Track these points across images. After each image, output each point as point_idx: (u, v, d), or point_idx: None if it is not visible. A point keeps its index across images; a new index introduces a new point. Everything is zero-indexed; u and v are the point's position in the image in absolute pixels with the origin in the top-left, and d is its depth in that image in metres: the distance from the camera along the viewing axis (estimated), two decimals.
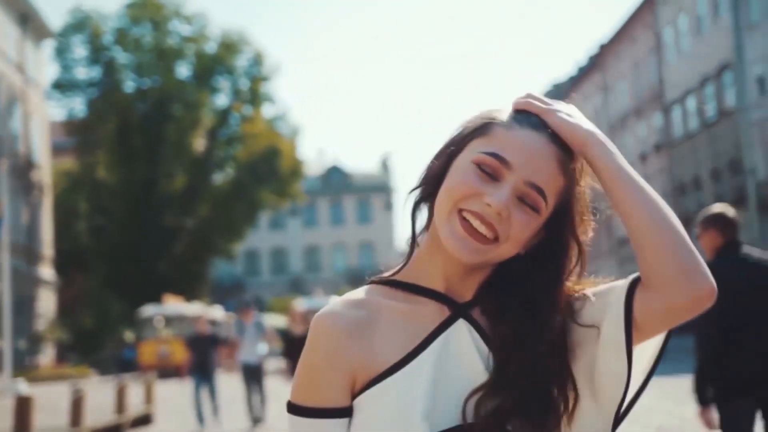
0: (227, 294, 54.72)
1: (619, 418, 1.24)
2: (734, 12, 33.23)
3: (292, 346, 11.43)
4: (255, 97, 41.89)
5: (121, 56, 40.45)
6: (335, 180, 67.08)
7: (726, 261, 4.48)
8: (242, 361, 11.99)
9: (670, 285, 1.18)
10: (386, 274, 1.35)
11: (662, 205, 1.23)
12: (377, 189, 66.79)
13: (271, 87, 55.65)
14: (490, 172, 1.21)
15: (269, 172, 40.60)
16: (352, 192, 66.63)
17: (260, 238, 61.79)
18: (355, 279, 62.79)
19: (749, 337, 4.41)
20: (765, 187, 30.66)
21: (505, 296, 1.27)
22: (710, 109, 35.41)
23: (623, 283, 1.24)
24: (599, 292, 1.27)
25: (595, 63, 49.01)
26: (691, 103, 37.23)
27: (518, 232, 1.21)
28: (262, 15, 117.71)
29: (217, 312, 31.77)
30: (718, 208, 4.69)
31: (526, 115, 1.25)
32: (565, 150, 1.24)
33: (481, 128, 1.25)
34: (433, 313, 1.27)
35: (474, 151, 1.23)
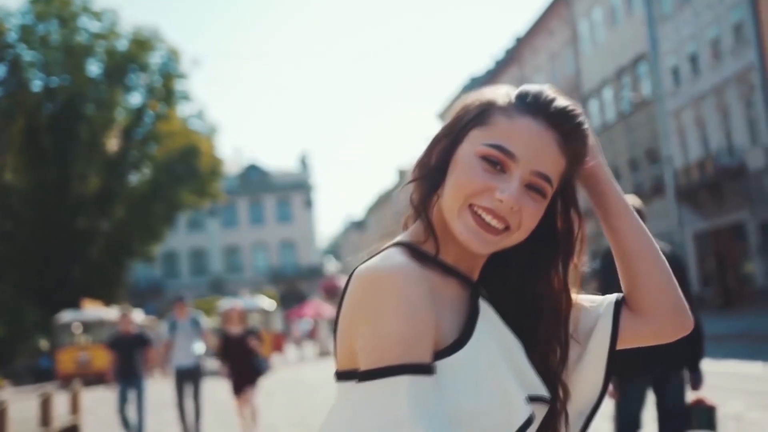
0: (146, 297, 53.41)
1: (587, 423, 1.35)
2: (647, 4, 33.87)
3: (228, 347, 10.31)
4: (170, 95, 40.87)
5: (27, 54, 38.89)
6: (254, 179, 66.21)
7: None
8: (175, 364, 10.75)
9: (662, 319, 1.35)
10: (402, 239, 1.31)
11: (654, 243, 1.37)
12: (297, 187, 66.20)
13: (187, 85, 54.49)
14: (497, 164, 1.22)
15: (187, 171, 39.73)
16: (271, 191, 65.89)
17: (179, 239, 60.52)
18: (276, 278, 62.14)
19: None
20: (682, 175, 31.31)
21: (509, 274, 1.33)
22: (626, 100, 36.01)
23: (610, 300, 1.38)
24: (592, 300, 1.39)
25: (512, 56, 49.42)
26: (608, 94, 37.83)
27: (529, 220, 1.23)
28: (176, 11, 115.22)
29: (137, 315, 30.86)
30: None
31: (522, 99, 1.25)
32: (563, 132, 1.25)
33: (480, 116, 1.25)
34: (459, 289, 1.28)
35: (476, 142, 1.24)
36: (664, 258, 1.35)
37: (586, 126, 1.28)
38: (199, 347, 10.78)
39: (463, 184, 1.23)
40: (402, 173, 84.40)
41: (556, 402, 1.29)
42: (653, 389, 4.90)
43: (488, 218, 1.22)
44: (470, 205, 1.23)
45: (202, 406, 10.94)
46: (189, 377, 10.70)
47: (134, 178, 41.26)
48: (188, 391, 10.71)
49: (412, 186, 1.33)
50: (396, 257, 1.20)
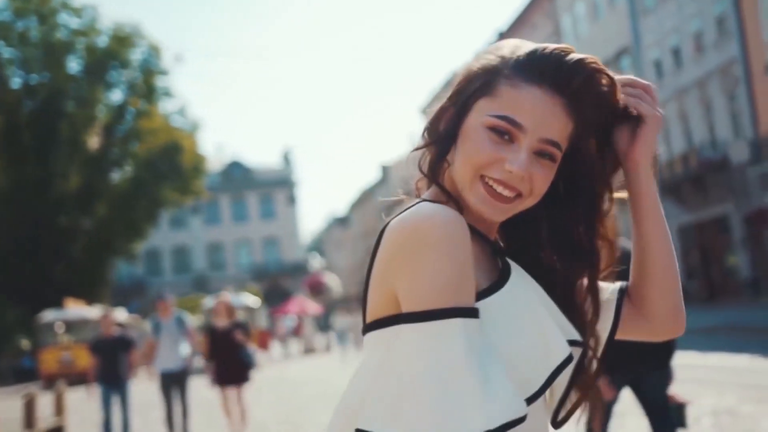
0: (129, 296, 53.05)
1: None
2: None
3: (215, 341, 9.87)
4: (151, 92, 40.55)
5: (6, 51, 38.45)
6: (236, 176, 65.90)
7: None
8: (161, 369, 10.12)
9: (661, 318, 1.40)
10: (426, 197, 1.32)
11: (672, 247, 1.40)
12: (279, 183, 65.95)
13: (168, 81, 54.08)
14: (504, 134, 1.23)
15: (169, 168, 39.44)
16: (254, 187, 65.62)
17: (161, 237, 60.15)
18: (260, 275, 61.89)
19: None
20: (665, 169, 31.30)
21: (523, 234, 1.38)
22: None
23: (614, 287, 1.42)
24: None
25: None
26: None
27: (540, 186, 1.26)
28: (157, 7, 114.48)
29: (120, 314, 30.60)
30: None
31: (527, 62, 1.25)
32: (569, 93, 1.25)
33: (485, 85, 1.26)
34: (483, 245, 1.32)
35: (483, 113, 1.25)
36: (676, 260, 1.41)
37: (596, 79, 1.28)
38: (185, 348, 10.27)
39: (472, 156, 1.25)
40: (385, 169, 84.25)
41: (587, 349, 1.34)
42: (632, 387, 4.94)
43: (499, 188, 1.25)
44: (481, 176, 1.25)
45: (190, 406, 10.60)
46: (175, 381, 10.19)
47: (116, 176, 40.94)
48: (175, 394, 10.21)
49: (422, 152, 1.35)
50: (435, 205, 1.20)
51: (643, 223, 1.39)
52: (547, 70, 1.25)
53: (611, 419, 5.05)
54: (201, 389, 11.97)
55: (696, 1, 29.91)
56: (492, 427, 1.10)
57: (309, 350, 34.05)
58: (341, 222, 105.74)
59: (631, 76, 1.38)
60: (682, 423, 4.90)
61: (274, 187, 65.85)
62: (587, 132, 1.30)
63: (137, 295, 54.62)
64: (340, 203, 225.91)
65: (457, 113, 1.29)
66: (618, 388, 4.95)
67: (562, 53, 1.27)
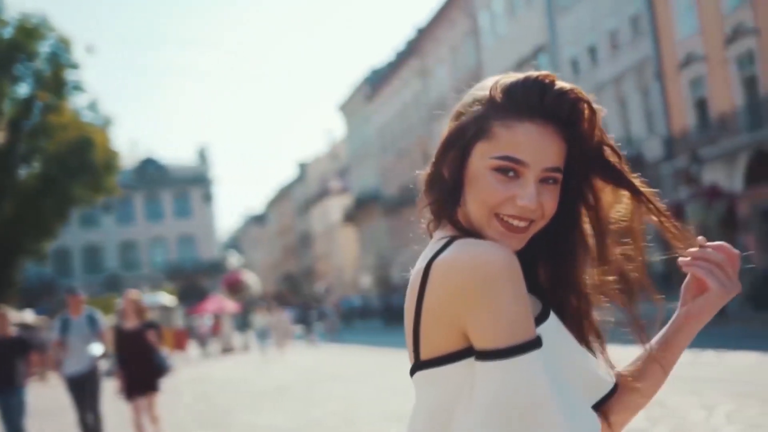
0: (37, 297, 51.21)
1: None
2: None
3: (123, 344, 8.90)
4: (61, 86, 39.18)
5: None
6: (150, 173, 64.43)
7: None
8: (68, 372, 9.17)
9: (640, 403, 1.50)
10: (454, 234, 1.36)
11: None
12: (195, 181, 64.77)
13: (79, 75, 52.45)
14: (509, 171, 1.30)
15: (80, 165, 38.14)
16: (169, 185, 64.28)
17: (71, 236, 58.31)
18: (176, 274, 60.64)
19: None
20: None
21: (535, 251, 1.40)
22: None
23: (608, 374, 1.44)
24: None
25: (414, 48, 49.45)
26: None
27: (550, 209, 1.33)
28: None
29: (28, 316, 29.47)
30: None
31: (512, 99, 1.31)
32: (559, 121, 1.31)
33: (480, 131, 1.32)
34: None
35: (485, 156, 1.31)
36: None
37: (580, 105, 1.32)
38: (96, 348, 9.26)
39: (485, 200, 1.31)
40: (302, 166, 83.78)
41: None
42: None
43: (515, 222, 1.32)
44: (496, 214, 1.32)
45: (102, 414, 9.53)
46: (84, 385, 9.23)
47: (23, 173, 39.45)
48: (85, 400, 9.25)
49: (431, 196, 1.41)
50: (487, 242, 1.28)
51: (672, 355, 1.45)
52: (534, 105, 1.30)
53: None
54: (111, 396, 10.61)
55: (612, 0, 30.43)
56: None
57: (227, 350, 33.45)
58: (258, 220, 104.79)
59: (707, 250, 1.39)
60: None
61: (190, 185, 64.65)
62: (582, 149, 1.35)
63: (46, 296, 52.81)
64: (257, 201, 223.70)
65: (459, 158, 1.34)
66: None
67: (544, 84, 1.31)
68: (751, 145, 24.45)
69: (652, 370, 1.44)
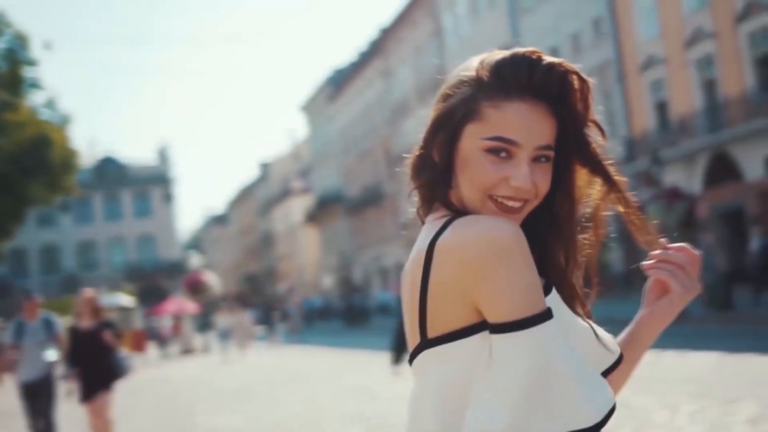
0: None
1: None
2: None
3: (78, 345, 8.51)
4: (17, 83, 38.50)
5: None
6: (110, 172, 63.61)
7: None
8: (22, 379, 8.82)
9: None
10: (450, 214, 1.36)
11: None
12: (155, 180, 64.09)
13: (37, 72, 51.61)
14: (502, 152, 1.29)
15: (37, 164, 37.49)
16: (129, 184, 63.53)
17: (28, 236, 57.30)
18: (135, 274, 59.91)
19: None
20: None
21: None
22: None
23: None
24: None
25: (377, 48, 49.38)
26: None
27: (543, 187, 1.32)
28: None
29: None
30: None
31: (500, 78, 1.29)
32: (548, 97, 1.29)
33: (470, 112, 1.30)
34: None
35: (475, 137, 1.29)
36: None
37: (569, 78, 1.30)
38: (52, 354, 8.93)
39: (478, 182, 1.30)
40: (265, 166, 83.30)
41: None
42: None
43: (510, 203, 1.30)
44: (490, 196, 1.30)
45: (54, 420, 9.12)
46: (39, 392, 8.89)
47: None
48: (38, 407, 8.89)
49: (420, 180, 1.39)
50: (494, 218, 1.27)
51: (640, 350, 1.48)
52: (523, 83, 1.28)
53: None
54: (70, 402, 10.14)
55: (573, 2, 30.62)
56: (605, 411, 1.23)
57: (187, 351, 33.09)
58: (220, 220, 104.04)
59: (670, 252, 1.42)
60: None
61: (150, 184, 63.96)
62: (570, 126, 1.34)
63: (1, 298, 51.90)
64: (219, 201, 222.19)
65: (448, 140, 1.32)
66: None
67: (532, 60, 1.29)
68: (709, 147, 24.75)
69: (618, 369, 1.43)
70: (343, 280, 57.92)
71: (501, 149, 1.28)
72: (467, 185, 1.31)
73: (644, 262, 1.42)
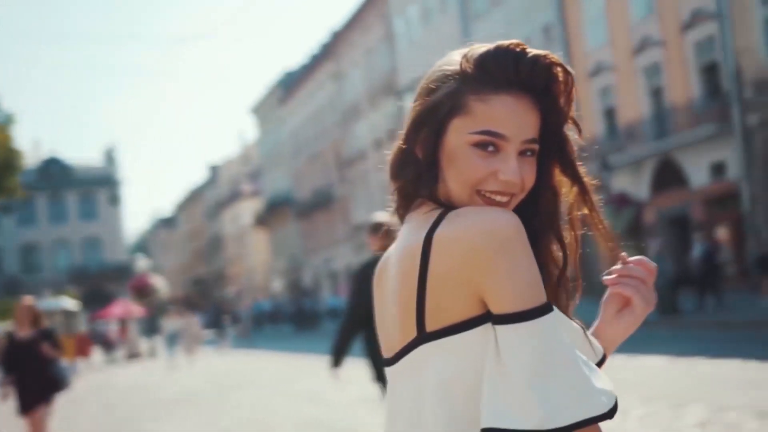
0: None
1: None
2: (461, 2, 34.61)
3: (16, 353, 8.20)
4: None
5: None
6: (54, 173, 62.39)
7: (378, 260, 5.06)
8: None
9: None
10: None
11: None
12: (101, 182, 63.04)
13: None
14: (489, 146, 1.28)
15: None
16: (74, 186, 62.38)
17: None
18: (80, 278, 58.84)
19: None
20: None
21: None
22: None
23: None
24: None
25: (328, 51, 49.24)
26: None
27: (529, 181, 1.32)
28: None
29: None
30: (380, 216, 5.38)
31: (486, 71, 1.28)
32: (534, 91, 1.29)
33: (456, 107, 1.29)
34: None
35: (462, 132, 1.28)
36: None
37: (554, 70, 1.29)
38: None
39: (466, 177, 1.29)
40: (213, 169, 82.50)
41: None
42: None
43: (498, 198, 1.30)
44: (478, 191, 1.29)
45: None
46: None
47: None
48: None
49: (403, 178, 1.37)
50: (494, 208, 1.26)
51: (615, 343, 1.52)
52: (510, 76, 1.27)
53: None
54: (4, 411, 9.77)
55: (524, 9, 30.87)
56: (614, 399, 1.22)
57: (134, 356, 32.56)
58: (168, 222, 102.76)
59: (632, 264, 1.42)
60: None
61: (96, 186, 62.90)
62: (552, 120, 1.33)
63: None
64: (167, 203, 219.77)
65: (433, 135, 1.31)
66: None
67: (517, 53, 1.27)
68: (656, 153, 25.12)
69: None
70: (293, 283, 57.59)
71: (489, 143, 1.27)
72: (454, 180, 1.30)
73: (606, 277, 1.43)
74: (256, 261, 69.23)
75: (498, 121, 1.27)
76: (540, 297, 1.21)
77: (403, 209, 1.39)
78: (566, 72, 1.30)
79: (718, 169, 23.64)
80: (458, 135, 1.28)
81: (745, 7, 22.23)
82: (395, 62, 40.67)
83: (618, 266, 1.43)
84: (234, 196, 73.76)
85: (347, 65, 46.90)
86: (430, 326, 1.26)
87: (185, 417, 12.28)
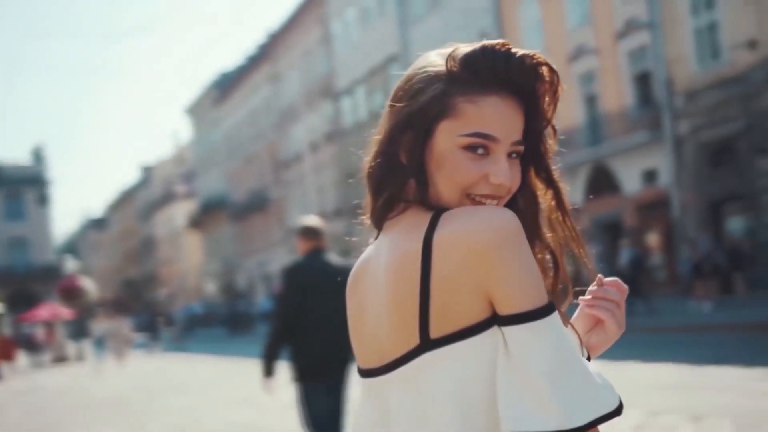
0: None
1: None
2: (399, 5, 34.66)
3: None
4: None
5: None
6: None
7: (308, 261, 5.27)
8: None
9: None
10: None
11: None
12: (29, 182, 61.50)
13: None
14: (479, 149, 1.26)
15: None
16: (1, 185, 60.73)
17: None
18: (4, 279, 57.18)
19: (319, 328, 5.12)
20: None
21: None
22: (378, 100, 36.62)
23: None
24: None
25: (265, 52, 48.85)
26: (360, 93, 38.30)
27: (516, 183, 1.31)
28: None
29: None
30: (309, 220, 5.51)
31: (473, 71, 1.26)
32: (522, 93, 1.28)
33: (445, 109, 1.26)
34: None
35: (452, 134, 1.26)
36: None
37: (540, 70, 1.29)
38: None
39: (457, 180, 1.26)
40: (146, 170, 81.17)
41: None
42: (329, 392, 5.28)
43: (488, 201, 1.28)
44: (467, 195, 1.27)
45: None
46: None
47: None
48: None
49: (387, 184, 1.33)
50: (489, 207, 1.24)
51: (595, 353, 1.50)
52: (498, 76, 1.25)
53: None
54: None
55: (462, 14, 31.03)
56: (618, 399, 1.21)
57: (61, 359, 31.77)
58: (98, 223, 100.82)
59: (608, 289, 1.42)
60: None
61: (24, 186, 61.33)
62: (533, 122, 1.32)
63: None
64: (98, 204, 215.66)
65: (419, 139, 1.28)
66: (321, 394, 5.25)
67: (505, 53, 1.26)
68: (590, 160, 25.47)
69: None
70: (227, 286, 56.93)
71: (479, 145, 1.25)
72: (444, 184, 1.27)
73: (582, 298, 1.42)
74: (190, 263, 68.30)
75: (488, 123, 1.25)
76: (545, 295, 1.20)
77: (381, 215, 1.35)
78: (552, 71, 1.30)
79: (650, 176, 24.08)
80: (447, 138, 1.26)
81: (676, 17, 22.69)
82: (333, 64, 40.53)
83: (593, 287, 1.42)
84: (167, 198, 72.65)
85: (284, 67, 46.58)
86: (435, 333, 1.23)
87: (112, 422, 11.94)
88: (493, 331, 1.21)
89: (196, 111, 62.87)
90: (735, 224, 21.80)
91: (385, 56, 35.70)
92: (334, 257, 5.47)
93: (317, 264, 5.24)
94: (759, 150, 20.22)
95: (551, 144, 1.36)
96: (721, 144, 21.57)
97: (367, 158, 1.36)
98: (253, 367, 17.97)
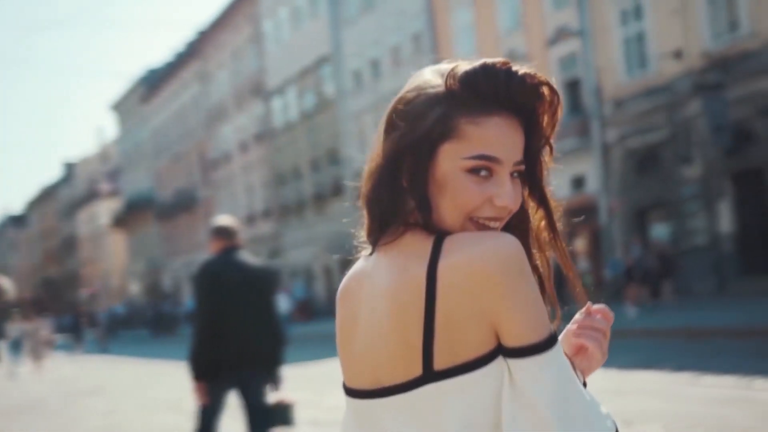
0: None
1: None
2: (332, 6, 34.49)
3: None
4: None
5: None
6: None
7: (221, 261, 5.26)
8: None
9: None
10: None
11: None
12: None
13: None
14: (482, 171, 1.24)
15: None
16: None
17: None
18: None
19: (233, 326, 5.12)
20: (360, 176, 32.11)
21: None
22: (309, 100, 36.35)
23: None
24: None
25: (194, 50, 48.11)
26: (291, 93, 37.99)
27: (518, 203, 1.29)
28: None
29: None
30: (222, 220, 5.50)
31: (474, 90, 1.23)
32: (524, 113, 1.26)
33: (447, 131, 1.24)
34: None
35: (455, 157, 1.24)
36: None
37: (541, 90, 1.26)
38: None
39: (461, 204, 1.24)
40: (69, 166, 79.16)
41: None
42: (239, 391, 5.29)
43: (492, 224, 1.27)
44: (471, 218, 1.26)
45: None
46: None
47: None
48: None
49: (386, 208, 1.30)
50: (494, 234, 1.22)
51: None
52: (500, 96, 1.23)
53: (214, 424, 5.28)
54: None
55: (395, 16, 31.01)
56: (615, 426, 1.23)
57: None
58: (17, 220, 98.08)
59: (596, 317, 1.41)
60: (289, 422, 5.42)
61: None
62: (532, 141, 1.30)
63: None
64: (17, 200, 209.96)
65: (422, 164, 1.25)
66: (225, 396, 5.25)
67: (507, 72, 1.23)
68: None
69: None
70: (152, 287, 55.85)
71: (483, 168, 1.24)
72: (447, 208, 1.24)
73: (570, 327, 1.42)
74: (113, 263, 66.85)
75: (492, 145, 1.23)
76: (549, 324, 1.20)
77: (377, 234, 1.31)
78: (553, 91, 1.27)
79: (578, 182, 24.39)
80: (450, 160, 1.24)
81: (606, 26, 23.05)
82: (263, 64, 40.12)
83: (579, 315, 1.42)
84: (91, 196, 70.97)
85: (214, 65, 45.94)
86: (439, 365, 1.20)
87: (28, 427, 11.49)
88: (498, 363, 1.20)
89: (122, 107, 61.59)
90: (659, 231, 22.23)
91: (317, 57, 35.48)
92: (248, 256, 5.45)
93: (230, 262, 5.25)
94: (683, 158, 20.66)
95: (547, 161, 1.34)
96: (647, 152, 21.98)
97: (363, 182, 1.33)
98: (178, 369, 17.59)
